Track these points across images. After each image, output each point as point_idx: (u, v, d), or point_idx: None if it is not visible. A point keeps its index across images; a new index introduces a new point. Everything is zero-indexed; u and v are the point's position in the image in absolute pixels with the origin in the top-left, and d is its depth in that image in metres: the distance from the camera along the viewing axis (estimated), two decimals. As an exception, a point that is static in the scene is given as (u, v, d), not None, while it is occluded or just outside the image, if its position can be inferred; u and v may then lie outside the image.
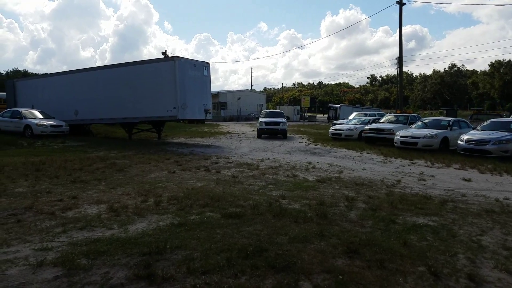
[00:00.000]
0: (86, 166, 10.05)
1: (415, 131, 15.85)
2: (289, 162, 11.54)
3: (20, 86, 25.44)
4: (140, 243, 4.20)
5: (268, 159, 12.39)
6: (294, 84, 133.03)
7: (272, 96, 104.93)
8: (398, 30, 29.38)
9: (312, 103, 68.24)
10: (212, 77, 19.86)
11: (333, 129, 21.03)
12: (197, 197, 6.49)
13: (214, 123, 40.06)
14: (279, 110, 22.71)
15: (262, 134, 21.61)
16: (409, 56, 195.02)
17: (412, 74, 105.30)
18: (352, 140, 18.87)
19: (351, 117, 26.71)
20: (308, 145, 17.62)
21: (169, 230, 4.72)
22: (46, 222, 5.06)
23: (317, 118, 59.66)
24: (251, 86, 74.63)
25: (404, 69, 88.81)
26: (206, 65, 19.26)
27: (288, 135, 22.51)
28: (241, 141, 19.64)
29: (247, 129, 30.08)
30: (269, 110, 23.86)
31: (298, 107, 58.28)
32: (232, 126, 35.69)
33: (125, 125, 20.76)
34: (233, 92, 62.37)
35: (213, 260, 3.74)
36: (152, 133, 21.36)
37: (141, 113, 18.90)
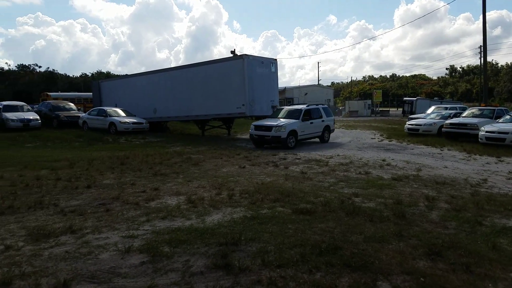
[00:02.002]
0: (165, 160, 10.73)
1: (502, 125, 14.31)
2: (360, 159, 11.15)
3: (104, 87, 27.89)
4: (217, 233, 4.37)
5: (338, 155, 12.10)
6: (364, 77, 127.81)
7: (341, 91, 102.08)
8: (481, 16, 26.67)
9: (385, 97, 64.93)
10: (278, 73, 19.88)
11: (409, 124, 19.80)
12: (267, 192, 6.57)
13: (282, 119, 40.09)
14: (300, 107, 16.30)
15: (254, 142, 15.79)
16: (494, 44, 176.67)
17: (497, 64, 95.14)
18: (431, 136, 17.60)
19: (429, 111, 24.89)
20: (381, 141, 16.85)
21: (242, 222, 4.85)
22: (131, 211, 5.50)
23: (390, 112, 56.73)
24: (318, 81, 73.44)
25: (489, 58, 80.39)
26: (273, 62, 19.37)
27: (358, 130, 21.66)
28: (309, 137, 19.41)
29: (315, 125, 29.64)
30: (288, 108, 17.12)
31: (369, 101, 55.91)
32: (300, 122, 35.44)
33: (198, 122, 21.76)
34: (299, 87, 61.92)
35: (287, 255, 3.76)
36: (223, 130, 22.09)
37: (212, 111, 19.64)
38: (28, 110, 22.20)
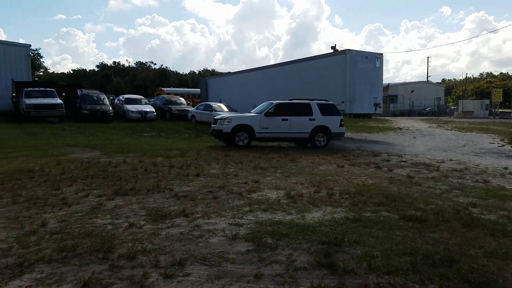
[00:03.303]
0: (264, 155, 11.04)
1: None
2: (477, 165, 9.95)
3: (211, 83, 29.86)
4: (318, 231, 4.34)
5: (450, 160, 10.99)
6: (481, 74, 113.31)
7: (453, 89, 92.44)
8: None
9: (506, 97, 56.59)
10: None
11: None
12: (369, 194, 6.29)
13: (382, 118, 38.00)
14: (277, 101, 13.66)
15: (215, 137, 13.97)
16: None
17: None
18: None
19: None
20: (502, 146, 14.82)
21: (344, 223, 4.71)
22: (235, 201, 5.77)
23: (512, 114, 49.47)
24: (427, 77, 67.32)
25: None
26: (378, 57, 18.42)
27: (474, 133, 19.32)
28: (415, 138, 18.07)
29: (422, 125, 27.42)
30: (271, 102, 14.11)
31: (486, 101, 49.48)
32: (403, 122, 33.18)
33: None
34: (405, 84, 57.87)
35: (395, 262, 3.54)
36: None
37: (311, 107, 19.55)
38: (146, 103, 24.96)
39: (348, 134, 20.39)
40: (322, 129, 13.68)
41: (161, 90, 44.72)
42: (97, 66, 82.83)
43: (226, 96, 26.33)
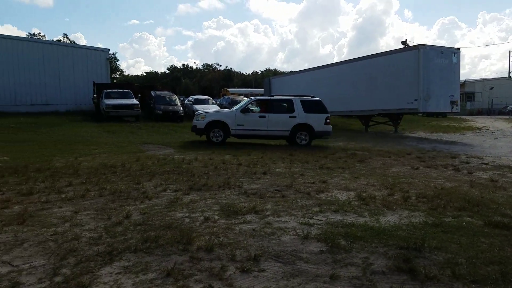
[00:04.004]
0: (330, 155, 10.86)
1: None
2: None
3: (274, 83, 30.06)
4: (395, 235, 4.16)
5: (541, 163, 9.87)
6: None
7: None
8: None
9: None
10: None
11: None
12: (449, 198, 5.88)
13: (458, 117, 35.27)
14: (257, 97, 14.46)
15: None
16: None
17: None
18: None
19: None
20: None
21: (423, 228, 4.46)
22: (304, 200, 5.75)
23: None
24: (509, 73, 61.09)
25: None
26: (455, 52, 17.15)
27: None
28: (496, 139, 16.53)
29: (503, 125, 25.00)
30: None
31: None
32: (482, 121, 30.49)
33: (361, 118, 21.21)
34: (483, 80, 53.13)
35: (482, 270, 3.28)
36: (388, 126, 20.90)
37: (379, 106, 18.80)
38: (212, 104, 25.86)
39: (421, 134, 19.28)
40: (304, 127, 13.03)
41: (227, 90, 46.10)
42: (168, 69, 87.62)
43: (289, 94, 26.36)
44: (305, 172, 8.11)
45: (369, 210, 5.26)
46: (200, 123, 12.74)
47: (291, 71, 45.72)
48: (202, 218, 4.79)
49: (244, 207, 5.24)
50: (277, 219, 4.81)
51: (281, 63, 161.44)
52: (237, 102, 26.82)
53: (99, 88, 23.92)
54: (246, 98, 29.06)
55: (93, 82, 25.59)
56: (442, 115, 27.82)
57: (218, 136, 12.74)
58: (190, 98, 28.47)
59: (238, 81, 79.57)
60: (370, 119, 20.86)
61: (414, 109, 16.95)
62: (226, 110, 13.76)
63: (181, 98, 33.22)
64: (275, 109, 13.16)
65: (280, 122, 12.93)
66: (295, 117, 12.91)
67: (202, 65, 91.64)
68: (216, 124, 12.69)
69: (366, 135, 18.99)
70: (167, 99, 23.84)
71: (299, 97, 13.34)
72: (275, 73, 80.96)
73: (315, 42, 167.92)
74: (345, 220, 4.76)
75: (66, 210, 5.08)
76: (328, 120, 13.29)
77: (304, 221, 4.69)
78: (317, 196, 6.05)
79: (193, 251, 3.69)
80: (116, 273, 3.25)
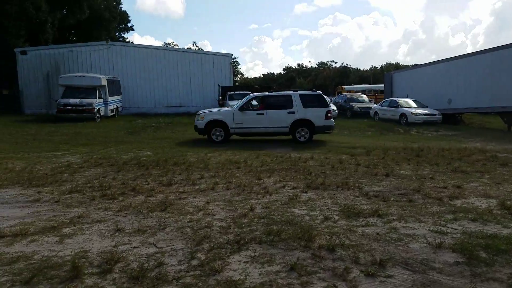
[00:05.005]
0: (465, 157, 9.67)
1: None
2: None
3: (396, 78, 28.09)
4: (554, 254, 3.49)
5: None
6: None
7: None
8: None
9: None
10: None
11: None
12: None
13: None
14: (255, 94, 13.97)
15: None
16: None
17: None
18: None
19: None
20: None
21: None
22: (435, 206, 5.25)
23: None
24: None
25: None
26: None
27: None
28: None
29: None
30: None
31: None
32: None
33: (503, 115, 18.34)
34: None
35: None
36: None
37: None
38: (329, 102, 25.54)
39: None
40: (302, 123, 12.64)
41: (342, 88, 44.95)
42: (283, 70, 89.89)
43: (415, 90, 24.16)
44: (435, 176, 7.40)
45: (517, 221, 4.53)
46: (200, 123, 13.05)
47: (416, 64, 42.00)
48: (321, 217, 4.78)
49: (366, 209, 5.05)
50: (404, 224, 4.50)
51: (403, 56, 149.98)
52: (353, 100, 26.02)
53: (224, 90, 25.87)
54: (363, 96, 27.89)
55: (219, 85, 27.81)
56: None
57: (218, 135, 12.97)
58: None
59: (354, 77, 76.89)
60: (515, 116, 17.87)
61: None
62: (225, 108, 13.99)
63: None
64: (274, 105, 12.97)
65: (278, 118, 12.80)
66: (294, 112, 12.67)
67: (316, 64, 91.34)
68: (216, 124, 12.92)
69: (510, 134, 16.32)
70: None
71: (298, 92, 13.09)
72: (396, 67, 75.53)
73: (443, 32, 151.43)
74: (485, 231, 4.19)
75: (199, 200, 5.66)
76: (329, 114, 12.85)
77: (435, 229, 4.29)
78: (450, 202, 5.46)
79: (314, 249, 3.72)
80: (244, 262, 3.48)
